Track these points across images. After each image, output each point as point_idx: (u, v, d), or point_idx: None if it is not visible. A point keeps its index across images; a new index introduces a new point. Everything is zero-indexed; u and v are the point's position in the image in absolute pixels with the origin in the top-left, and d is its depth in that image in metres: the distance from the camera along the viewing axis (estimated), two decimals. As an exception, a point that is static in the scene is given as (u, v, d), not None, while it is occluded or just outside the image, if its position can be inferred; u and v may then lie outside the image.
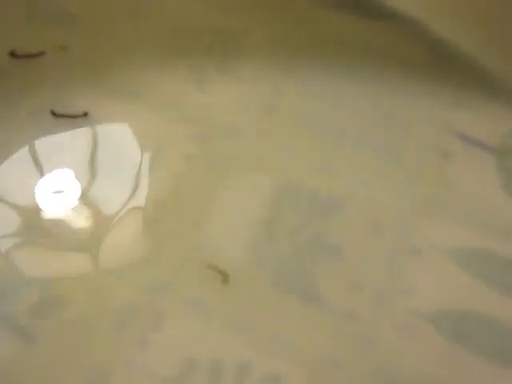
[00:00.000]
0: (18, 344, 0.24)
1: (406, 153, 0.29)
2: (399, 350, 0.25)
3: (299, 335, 0.25)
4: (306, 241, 0.27)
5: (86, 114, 0.29)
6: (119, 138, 0.29)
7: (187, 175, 0.28)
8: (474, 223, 0.27)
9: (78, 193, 0.28)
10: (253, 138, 0.29)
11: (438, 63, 0.31)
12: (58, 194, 0.28)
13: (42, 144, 0.28)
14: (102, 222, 0.27)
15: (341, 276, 0.26)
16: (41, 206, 0.27)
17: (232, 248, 0.26)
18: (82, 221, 0.27)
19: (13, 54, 0.30)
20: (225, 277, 0.26)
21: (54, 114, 0.29)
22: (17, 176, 0.28)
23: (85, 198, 0.27)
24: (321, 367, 0.24)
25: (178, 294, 0.25)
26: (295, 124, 0.30)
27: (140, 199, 0.27)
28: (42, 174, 0.28)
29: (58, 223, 0.27)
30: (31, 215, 0.27)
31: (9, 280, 0.25)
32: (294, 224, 0.27)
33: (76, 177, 0.28)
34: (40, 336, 0.24)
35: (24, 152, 0.28)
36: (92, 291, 0.25)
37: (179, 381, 0.24)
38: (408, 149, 0.29)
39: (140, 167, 0.28)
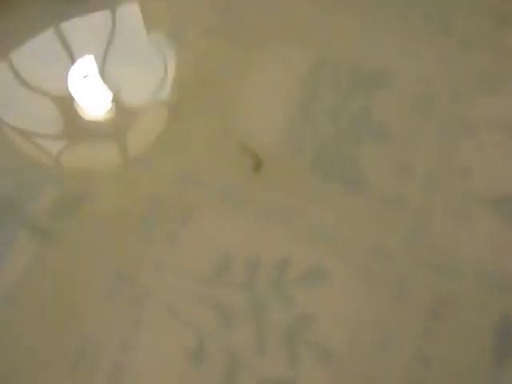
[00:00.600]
0: (40, 244, 0.22)
1: (457, 19, 0.26)
2: (454, 238, 0.22)
3: (342, 225, 0.23)
4: (348, 121, 0.24)
5: None
6: (135, 17, 0.26)
7: (212, 52, 0.25)
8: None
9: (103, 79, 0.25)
10: (282, 7, 0.26)
11: None
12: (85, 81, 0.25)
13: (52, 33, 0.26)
14: (129, 112, 0.24)
15: (387, 158, 0.24)
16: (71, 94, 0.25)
17: (265, 132, 0.24)
18: (109, 111, 0.25)
19: None
20: (258, 163, 0.23)
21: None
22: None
23: (109, 83, 0.25)
24: (367, 259, 0.22)
25: (208, 184, 0.23)
26: (330, -10, 0.26)
27: (164, 83, 0.25)
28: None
29: (89, 113, 0.25)
30: (63, 105, 0.25)
31: (28, 177, 0.23)
32: (334, 102, 0.24)
33: (98, 62, 0.25)
34: (63, 235, 0.22)
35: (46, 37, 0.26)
36: (116, 185, 0.23)
37: (212, 280, 0.22)
38: (460, 14, 0.26)
39: (160, 48, 0.25)
